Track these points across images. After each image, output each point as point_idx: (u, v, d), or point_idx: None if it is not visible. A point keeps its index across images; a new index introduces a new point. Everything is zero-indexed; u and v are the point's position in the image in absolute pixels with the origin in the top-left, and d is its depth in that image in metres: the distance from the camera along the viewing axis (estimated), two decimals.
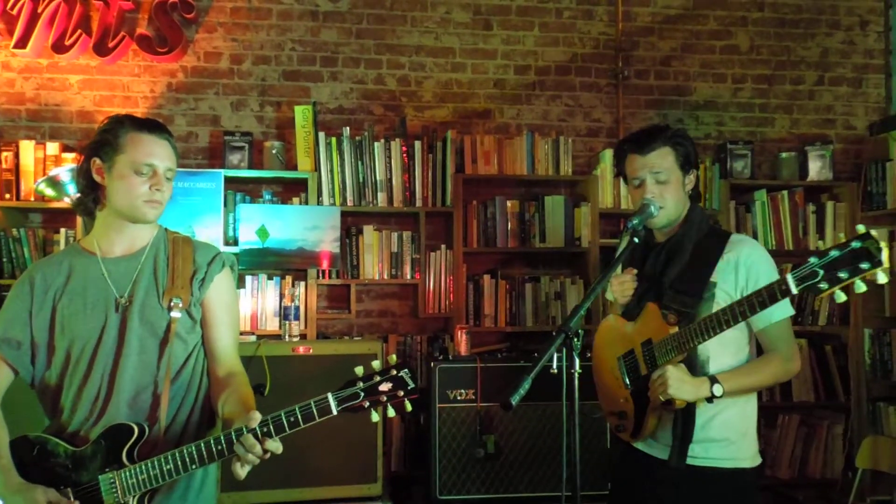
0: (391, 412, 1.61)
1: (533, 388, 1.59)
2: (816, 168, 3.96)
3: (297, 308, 3.20)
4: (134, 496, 1.62)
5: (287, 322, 3.04)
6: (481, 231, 3.74)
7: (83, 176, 1.78)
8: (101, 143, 1.75)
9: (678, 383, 1.82)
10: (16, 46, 3.58)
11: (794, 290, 1.58)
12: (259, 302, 3.54)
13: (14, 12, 3.58)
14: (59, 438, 1.69)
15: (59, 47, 3.62)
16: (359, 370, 1.61)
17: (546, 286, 3.76)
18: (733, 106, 4.21)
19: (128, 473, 1.62)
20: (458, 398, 2.91)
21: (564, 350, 1.71)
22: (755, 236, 3.80)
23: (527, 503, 2.85)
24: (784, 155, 4.01)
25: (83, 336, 1.73)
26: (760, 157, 4.15)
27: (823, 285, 1.52)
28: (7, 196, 3.42)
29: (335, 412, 1.58)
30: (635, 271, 2.05)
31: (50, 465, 1.66)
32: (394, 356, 1.64)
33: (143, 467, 1.61)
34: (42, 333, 1.75)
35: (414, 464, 3.42)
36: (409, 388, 1.59)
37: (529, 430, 2.89)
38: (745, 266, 1.93)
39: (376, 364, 1.62)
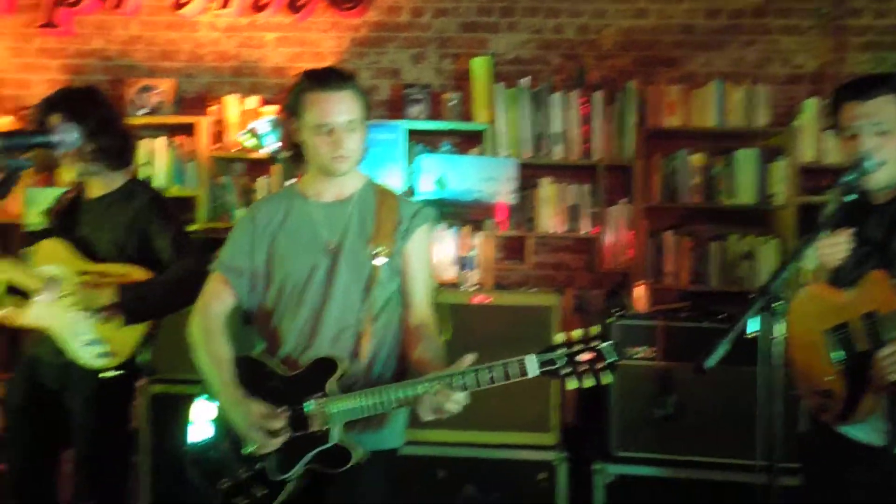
0: (589, 382, 1.59)
1: None
2: None
3: (475, 258, 3.25)
4: (337, 425, 1.72)
5: (464, 271, 3.09)
6: (663, 185, 3.59)
7: (286, 134, 1.90)
8: (290, 105, 1.85)
9: None
10: (221, 7, 3.86)
11: None
12: (438, 251, 3.63)
13: None
14: (273, 362, 1.83)
15: (257, 6, 3.86)
16: (559, 337, 1.62)
17: (734, 245, 3.56)
18: None
19: (331, 403, 1.72)
20: (637, 356, 2.83)
21: (763, 314, 1.61)
22: None
23: (709, 468, 2.73)
24: None
25: (294, 273, 1.84)
26: None
27: None
28: (215, 146, 3.73)
29: (535, 373, 1.59)
30: (851, 231, 1.86)
31: (265, 384, 1.79)
32: (597, 326, 1.62)
33: (348, 400, 1.71)
34: (260, 265, 1.89)
35: (588, 418, 3.40)
36: (609, 360, 1.57)
37: (713, 394, 2.75)
38: None
39: (577, 332, 1.61)
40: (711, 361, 1.55)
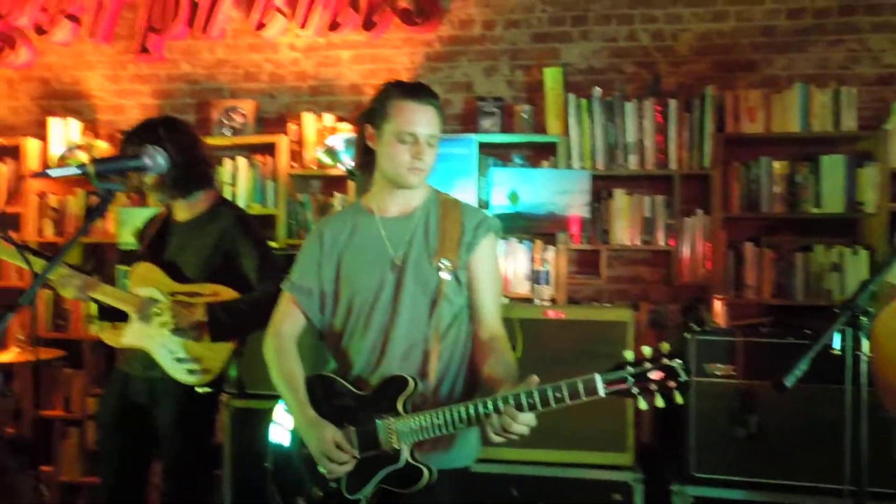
0: (660, 402, 1.55)
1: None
2: None
3: (547, 272, 3.23)
4: (406, 444, 1.74)
5: (537, 286, 3.08)
6: (743, 195, 3.47)
7: (359, 141, 1.92)
8: (373, 110, 1.86)
9: None
10: (300, 27, 3.98)
11: None
12: (510, 265, 3.63)
13: None
14: (344, 381, 1.86)
15: (333, 25, 3.97)
16: (628, 354, 1.58)
17: (820, 256, 3.39)
18: None
19: (402, 422, 1.74)
20: (716, 373, 2.74)
21: (849, 329, 1.56)
22: None
23: (793, 491, 2.62)
24: None
25: (362, 291, 1.87)
26: None
27: None
28: (294, 164, 3.85)
29: (602, 394, 1.57)
30: None
31: (338, 403, 1.83)
32: (666, 344, 1.57)
33: (417, 419, 1.72)
34: (329, 284, 1.92)
35: (665, 437, 3.32)
36: (681, 379, 1.53)
37: (798, 414, 2.64)
38: None
39: (647, 350, 1.57)
40: (791, 379, 1.50)
